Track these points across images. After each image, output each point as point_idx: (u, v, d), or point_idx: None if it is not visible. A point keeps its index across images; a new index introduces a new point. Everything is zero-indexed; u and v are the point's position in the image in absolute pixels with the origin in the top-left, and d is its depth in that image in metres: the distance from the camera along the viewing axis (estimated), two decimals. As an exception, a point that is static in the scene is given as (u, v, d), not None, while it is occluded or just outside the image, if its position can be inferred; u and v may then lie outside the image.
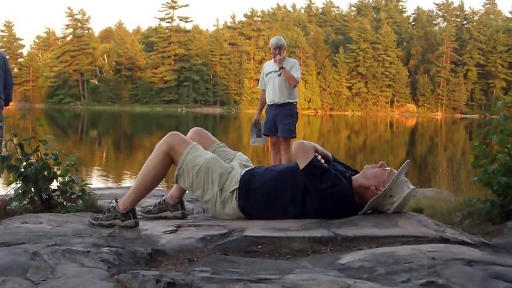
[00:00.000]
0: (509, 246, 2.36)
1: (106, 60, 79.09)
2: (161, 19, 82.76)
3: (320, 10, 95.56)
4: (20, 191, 3.09)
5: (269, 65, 6.17)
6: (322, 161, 2.71)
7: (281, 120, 5.96)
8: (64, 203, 3.15)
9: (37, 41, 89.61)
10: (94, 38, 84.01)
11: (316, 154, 2.72)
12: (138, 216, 2.78)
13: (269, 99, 6.07)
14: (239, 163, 2.99)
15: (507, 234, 2.68)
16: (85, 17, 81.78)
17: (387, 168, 2.75)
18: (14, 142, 3.12)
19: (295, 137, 6.04)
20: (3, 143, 3.21)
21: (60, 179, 3.17)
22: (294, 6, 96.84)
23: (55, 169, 3.16)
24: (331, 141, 26.13)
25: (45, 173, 3.09)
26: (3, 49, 70.92)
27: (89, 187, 3.34)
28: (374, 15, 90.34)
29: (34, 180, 3.05)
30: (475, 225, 2.91)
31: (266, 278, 1.73)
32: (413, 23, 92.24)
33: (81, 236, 2.35)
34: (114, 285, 1.74)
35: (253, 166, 3.04)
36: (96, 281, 1.76)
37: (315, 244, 2.27)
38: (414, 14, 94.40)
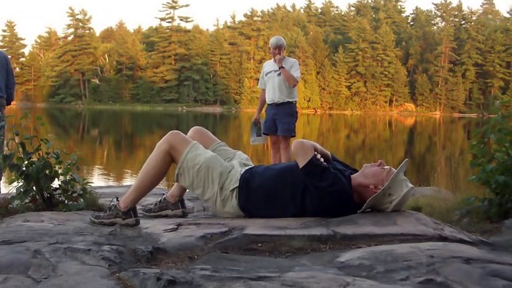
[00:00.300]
0: (507, 244, 2.37)
1: (107, 59, 78.99)
2: (162, 19, 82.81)
3: (320, 10, 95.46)
4: (21, 190, 3.10)
5: (269, 65, 6.18)
6: (322, 160, 2.72)
7: (280, 119, 5.97)
8: (66, 201, 3.16)
9: (38, 40, 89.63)
10: (95, 38, 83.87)
11: (316, 153, 2.73)
12: (139, 215, 2.79)
13: (268, 98, 6.08)
14: (239, 162, 3.00)
15: (505, 232, 2.68)
16: (86, 17, 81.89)
17: (386, 166, 2.75)
18: (16, 141, 3.12)
19: (294, 136, 6.05)
20: (4, 142, 3.21)
21: (61, 177, 3.18)
22: (293, 6, 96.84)
23: (56, 168, 3.17)
24: (330, 140, 26.11)
25: (47, 171, 3.09)
26: (5, 49, 70.95)
27: (90, 185, 3.34)
28: (373, 15, 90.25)
29: (35, 179, 3.06)
30: (474, 224, 2.92)
31: (265, 276, 1.74)
32: (411, 23, 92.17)
33: (82, 234, 2.36)
34: (115, 283, 1.75)
35: (253, 165, 3.05)
36: (97, 279, 1.77)
37: (314, 242, 2.27)
38: (412, 14, 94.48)
